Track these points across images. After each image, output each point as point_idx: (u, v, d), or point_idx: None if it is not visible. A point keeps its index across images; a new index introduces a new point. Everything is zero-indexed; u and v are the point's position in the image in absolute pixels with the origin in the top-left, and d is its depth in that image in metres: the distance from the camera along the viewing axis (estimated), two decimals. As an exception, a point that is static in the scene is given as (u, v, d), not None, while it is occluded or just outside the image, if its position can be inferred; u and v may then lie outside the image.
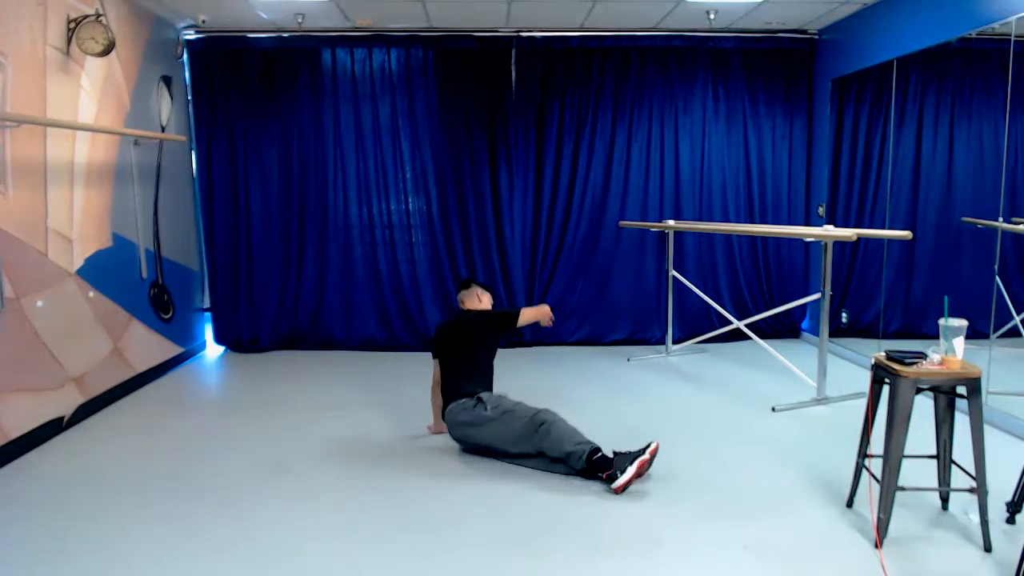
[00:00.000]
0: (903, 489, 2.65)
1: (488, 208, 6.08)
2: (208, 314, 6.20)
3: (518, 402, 3.52)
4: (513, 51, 6.00)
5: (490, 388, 3.74)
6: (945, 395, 2.77)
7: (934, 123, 5.01)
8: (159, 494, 3.20)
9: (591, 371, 5.36)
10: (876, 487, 2.69)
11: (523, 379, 5.11)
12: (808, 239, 5.40)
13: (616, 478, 3.08)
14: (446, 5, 5.21)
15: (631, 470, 3.08)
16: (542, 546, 2.70)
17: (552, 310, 6.12)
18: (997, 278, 4.04)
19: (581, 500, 3.06)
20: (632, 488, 3.13)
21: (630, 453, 3.16)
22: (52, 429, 3.94)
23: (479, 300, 4.05)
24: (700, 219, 6.16)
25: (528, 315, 3.98)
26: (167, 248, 5.45)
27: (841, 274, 5.62)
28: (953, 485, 2.85)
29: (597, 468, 3.15)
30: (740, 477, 3.33)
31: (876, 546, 2.62)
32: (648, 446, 3.20)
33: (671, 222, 5.70)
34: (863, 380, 4.16)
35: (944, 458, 2.83)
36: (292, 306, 6.12)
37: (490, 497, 3.13)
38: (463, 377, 3.67)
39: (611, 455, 3.18)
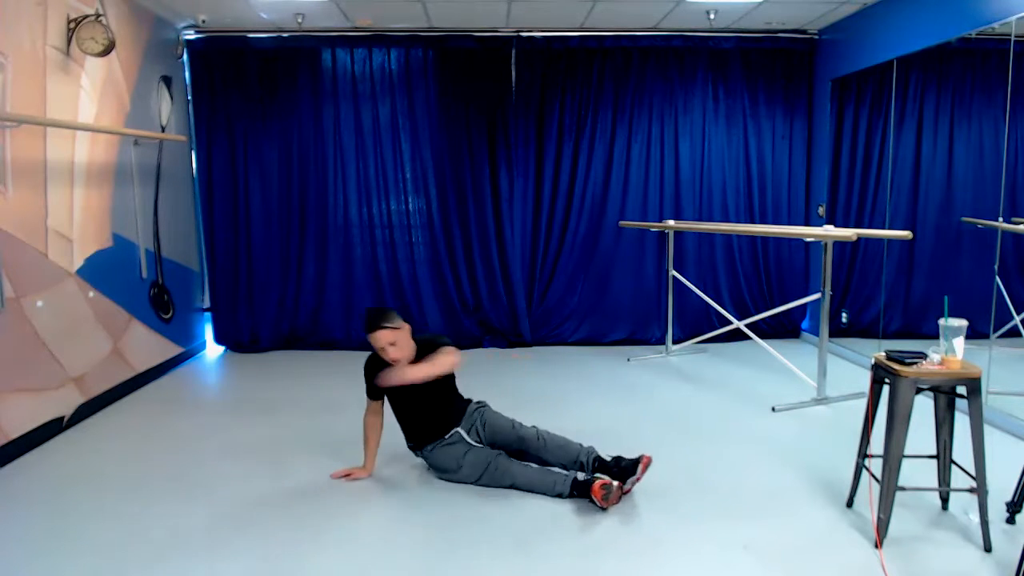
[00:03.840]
0: (903, 489, 2.65)
1: (488, 208, 6.08)
2: (208, 314, 6.20)
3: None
4: (513, 51, 6.00)
5: (457, 419, 3.31)
6: (945, 395, 2.77)
7: (934, 123, 5.01)
8: (159, 494, 3.20)
9: (591, 371, 5.36)
10: (876, 487, 2.69)
11: (523, 379, 5.12)
12: (808, 239, 5.40)
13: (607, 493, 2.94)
14: (446, 5, 5.21)
15: (612, 494, 2.95)
16: (543, 546, 2.70)
17: (552, 310, 6.24)
18: (997, 278, 4.04)
19: (581, 501, 3.06)
20: (633, 488, 3.11)
21: (620, 464, 3.09)
22: (52, 429, 3.94)
23: (392, 348, 3.14)
24: (700, 219, 6.16)
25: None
26: (167, 248, 5.45)
27: (841, 274, 5.62)
28: (953, 485, 2.85)
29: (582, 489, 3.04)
30: (740, 477, 3.33)
31: (876, 546, 2.62)
32: (638, 461, 3.06)
33: (671, 222, 5.70)
34: (863, 380, 4.16)
35: (944, 458, 2.83)
36: (292, 306, 6.12)
37: (490, 499, 3.12)
38: (424, 420, 3.30)
39: (607, 458, 3.15)
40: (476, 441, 3.26)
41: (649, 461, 3.07)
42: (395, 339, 3.14)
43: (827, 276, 4.37)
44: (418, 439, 3.33)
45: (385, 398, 3.34)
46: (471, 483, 3.21)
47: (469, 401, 3.41)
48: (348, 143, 6.03)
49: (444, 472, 3.27)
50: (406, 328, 3.22)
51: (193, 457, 3.66)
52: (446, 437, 3.26)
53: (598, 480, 2.97)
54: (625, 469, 3.06)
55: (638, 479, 3.05)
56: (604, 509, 2.94)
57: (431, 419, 3.28)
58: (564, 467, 3.19)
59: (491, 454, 3.21)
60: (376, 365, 3.25)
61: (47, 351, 3.95)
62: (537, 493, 3.11)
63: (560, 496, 3.07)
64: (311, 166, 6.03)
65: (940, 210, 5.03)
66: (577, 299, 6.22)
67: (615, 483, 2.97)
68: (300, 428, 4.09)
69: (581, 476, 3.11)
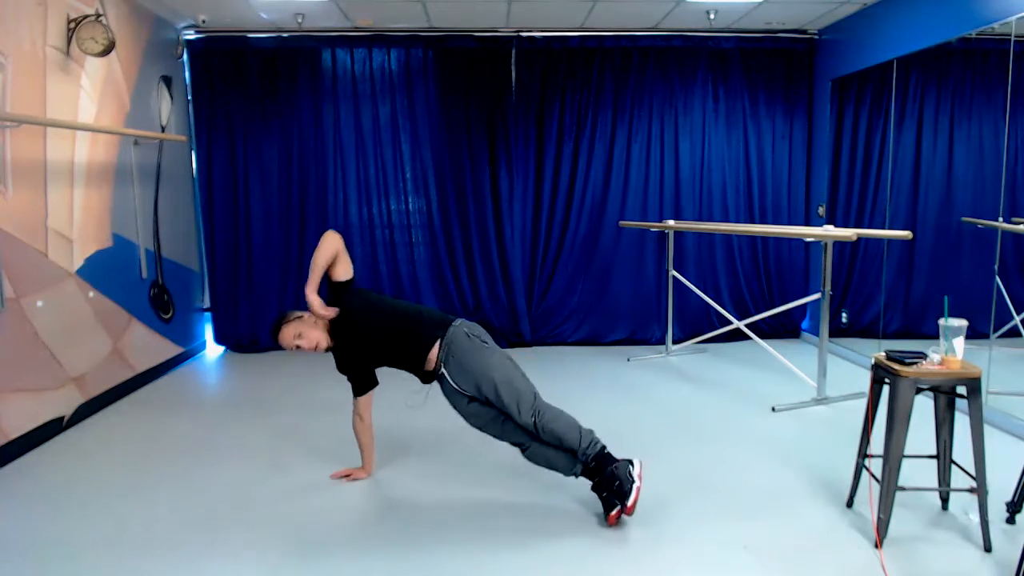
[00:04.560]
0: (903, 489, 2.65)
1: (488, 208, 6.08)
2: (208, 314, 6.20)
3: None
4: (513, 51, 6.00)
5: (420, 352, 3.03)
6: (945, 395, 2.77)
7: (934, 123, 5.01)
8: (159, 494, 3.20)
9: (591, 371, 5.36)
10: (876, 487, 2.69)
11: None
12: (808, 239, 5.40)
13: (615, 506, 2.83)
14: (446, 5, 5.21)
15: (631, 498, 2.81)
16: (542, 546, 2.70)
17: (552, 310, 6.24)
18: (997, 278, 4.04)
19: (580, 499, 3.06)
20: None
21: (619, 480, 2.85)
22: (52, 429, 3.94)
23: (301, 340, 3.07)
24: (700, 219, 6.16)
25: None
26: (167, 248, 5.45)
27: (841, 274, 5.62)
28: (953, 485, 2.85)
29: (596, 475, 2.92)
30: (740, 477, 3.33)
31: (876, 546, 2.63)
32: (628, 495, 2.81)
33: (671, 222, 5.70)
34: (863, 380, 4.16)
35: (944, 458, 2.83)
36: (292, 306, 6.06)
37: (489, 497, 3.13)
38: (401, 364, 3.12)
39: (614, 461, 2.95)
40: (466, 393, 2.98)
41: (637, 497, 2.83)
42: (299, 330, 3.06)
43: (827, 276, 4.37)
44: (420, 377, 3.11)
45: (372, 391, 3.25)
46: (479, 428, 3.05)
47: (434, 337, 2.99)
48: (348, 143, 6.03)
49: (455, 408, 3.06)
50: (307, 315, 3.10)
51: (193, 457, 3.66)
52: (441, 376, 2.99)
53: (617, 511, 2.81)
54: (623, 495, 2.83)
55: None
56: (609, 525, 2.86)
57: (403, 362, 3.07)
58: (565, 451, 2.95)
59: (498, 416, 3.00)
60: (340, 358, 3.18)
61: (47, 351, 3.95)
62: (545, 467, 2.99)
63: (573, 475, 2.96)
64: (311, 166, 6.03)
65: (940, 210, 5.03)
66: (577, 299, 6.22)
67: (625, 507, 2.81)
68: (300, 428, 4.09)
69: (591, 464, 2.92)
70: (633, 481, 2.82)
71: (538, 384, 3.04)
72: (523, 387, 2.93)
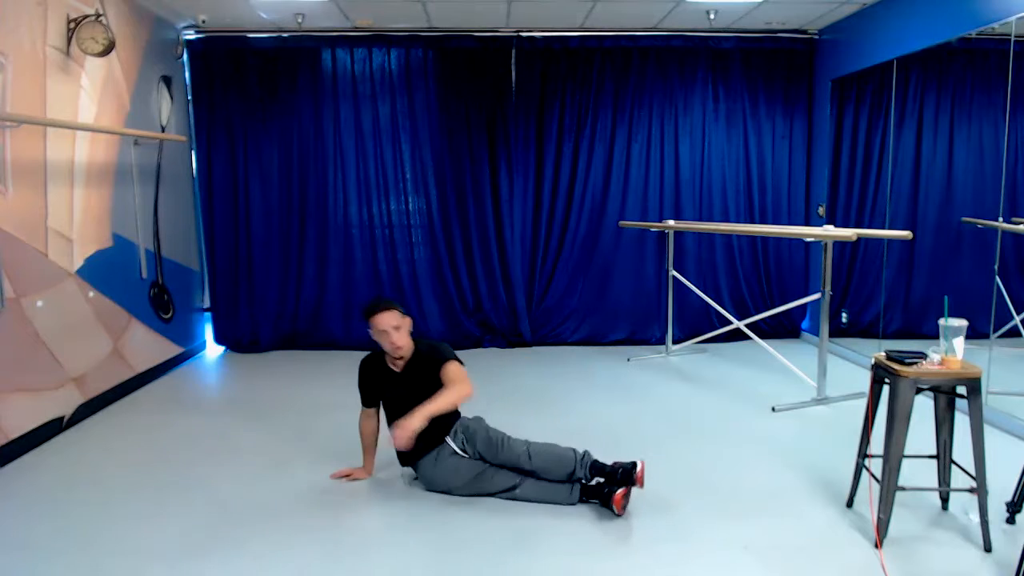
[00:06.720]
0: (903, 489, 2.65)
1: (488, 208, 6.09)
2: (208, 314, 6.20)
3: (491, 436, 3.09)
4: (513, 51, 6.00)
5: (447, 429, 3.11)
6: (945, 395, 2.77)
7: (934, 123, 5.01)
8: (158, 494, 3.20)
9: (591, 371, 5.36)
10: (876, 487, 2.69)
11: (523, 379, 5.12)
12: (808, 239, 5.40)
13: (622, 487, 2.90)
14: (446, 5, 5.21)
15: (638, 468, 2.92)
16: (542, 546, 2.70)
17: (552, 310, 6.24)
18: (997, 278, 4.04)
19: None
20: (632, 488, 3.08)
21: (619, 470, 2.95)
22: (52, 429, 3.95)
23: (396, 332, 3.05)
24: (700, 219, 6.16)
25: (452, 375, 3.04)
26: (167, 248, 5.45)
27: (841, 274, 5.62)
28: (953, 485, 2.85)
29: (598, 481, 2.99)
30: (740, 477, 3.33)
31: (876, 546, 2.63)
32: (635, 468, 2.94)
33: (671, 222, 5.70)
34: (863, 380, 4.16)
35: (944, 458, 2.83)
36: (292, 306, 6.12)
37: (488, 499, 3.12)
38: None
39: (606, 464, 3.00)
40: (463, 453, 3.08)
41: (643, 471, 2.95)
42: (400, 323, 3.04)
43: (827, 276, 4.37)
44: (409, 453, 3.09)
45: (380, 404, 3.28)
46: (466, 494, 3.09)
47: (458, 414, 3.17)
48: (348, 143, 6.03)
49: (436, 488, 3.13)
50: (408, 321, 3.12)
51: (192, 457, 3.66)
52: (436, 451, 3.08)
53: (621, 490, 2.87)
54: (627, 473, 2.93)
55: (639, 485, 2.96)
56: (619, 515, 2.90)
57: (425, 431, 2.93)
58: (560, 482, 3.02)
59: (483, 464, 3.07)
60: (371, 367, 3.22)
61: (47, 351, 3.95)
62: (540, 502, 3.04)
63: (571, 505, 3.01)
64: (311, 166, 6.03)
65: (940, 210, 5.03)
66: (577, 299, 6.22)
67: (628, 489, 2.89)
68: (300, 428, 4.09)
69: (591, 480, 3.00)
70: (635, 462, 2.94)
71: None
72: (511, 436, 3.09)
